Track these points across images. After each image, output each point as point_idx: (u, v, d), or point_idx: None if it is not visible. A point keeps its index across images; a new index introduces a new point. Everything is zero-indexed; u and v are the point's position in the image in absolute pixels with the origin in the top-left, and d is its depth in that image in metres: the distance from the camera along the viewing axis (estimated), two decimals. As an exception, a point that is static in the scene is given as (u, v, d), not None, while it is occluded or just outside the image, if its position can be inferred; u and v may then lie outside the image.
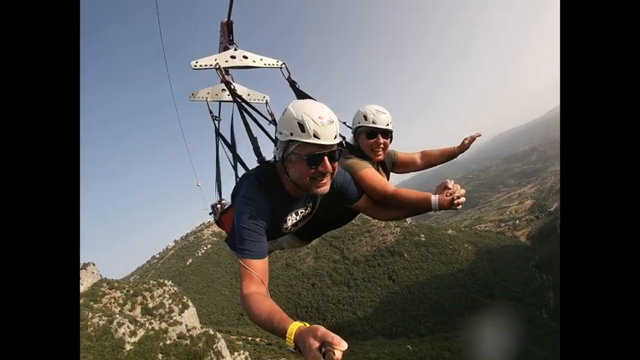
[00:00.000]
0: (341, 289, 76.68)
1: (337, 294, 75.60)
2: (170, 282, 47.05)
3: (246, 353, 38.73)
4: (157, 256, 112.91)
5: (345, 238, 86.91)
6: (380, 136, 2.65)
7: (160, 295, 41.62)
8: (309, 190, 1.94)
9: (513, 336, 51.27)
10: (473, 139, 3.15)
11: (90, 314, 34.42)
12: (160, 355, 32.34)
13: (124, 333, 32.28)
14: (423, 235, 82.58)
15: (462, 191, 2.17)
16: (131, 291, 42.47)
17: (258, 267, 1.81)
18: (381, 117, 2.65)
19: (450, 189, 2.16)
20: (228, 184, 3.21)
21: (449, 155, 3.21)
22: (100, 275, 45.98)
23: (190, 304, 43.09)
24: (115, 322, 32.69)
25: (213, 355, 34.03)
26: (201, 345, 34.79)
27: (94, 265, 45.48)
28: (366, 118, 2.66)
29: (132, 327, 33.10)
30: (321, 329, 1.24)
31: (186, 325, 37.62)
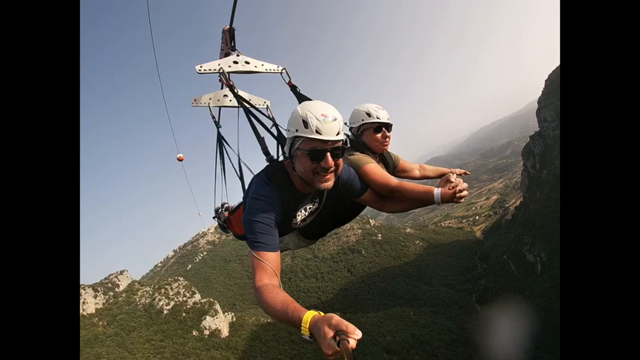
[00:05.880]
0: (310, 281, 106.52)
1: (307, 285, 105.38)
2: (182, 278, 79.98)
3: (232, 314, 72.10)
4: (160, 264, 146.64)
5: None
6: (385, 129, 3.19)
7: (176, 287, 73.47)
8: (314, 184, 2.27)
9: (437, 313, 79.34)
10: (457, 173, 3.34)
11: (137, 298, 68.67)
12: (184, 313, 66.13)
13: (162, 304, 66.37)
14: (380, 235, 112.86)
15: (465, 185, 2.53)
16: (156, 286, 74.74)
17: (271, 259, 2.04)
18: (382, 112, 3.20)
19: (452, 182, 2.52)
20: (232, 188, 4.10)
21: (442, 174, 3.70)
22: (132, 278, 78.75)
23: (196, 291, 75.42)
24: (156, 298, 67.24)
25: (212, 311, 67.29)
26: (206, 306, 68.43)
27: (127, 271, 77.91)
28: (369, 115, 3.18)
29: (167, 300, 67.28)
30: (336, 318, 1.39)
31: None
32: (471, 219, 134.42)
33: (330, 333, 1.35)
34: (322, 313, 1.48)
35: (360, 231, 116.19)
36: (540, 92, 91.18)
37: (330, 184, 2.29)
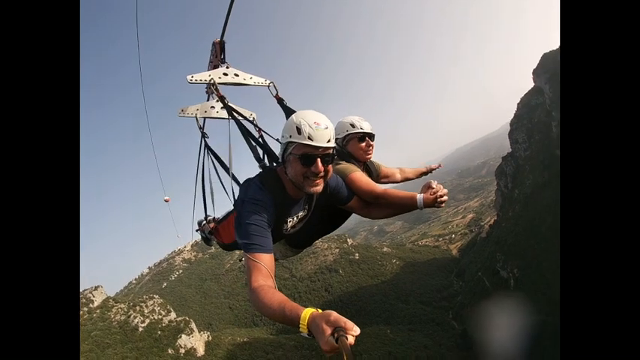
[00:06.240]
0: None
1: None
2: (157, 296, 79.83)
3: (208, 333, 72.26)
4: (134, 281, 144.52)
5: (294, 259, 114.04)
6: (368, 139, 3.42)
7: (152, 305, 73.31)
8: (304, 188, 2.38)
9: (413, 330, 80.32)
10: (432, 169, 4.43)
11: (112, 315, 68.35)
12: (159, 331, 66.12)
13: (137, 321, 66.24)
14: (357, 254, 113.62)
15: (445, 190, 2.69)
16: (131, 303, 74.35)
17: (266, 260, 2.08)
18: (366, 123, 3.42)
19: (433, 188, 2.67)
20: (219, 198, 4.06)
21: (421, 174, 4.33)
22: (107, 294, 78.25)
23: (172, 309, 75.31)
24: (131, 316, 67.02)
25: (188, 330, 67.37)
26: (182, 325, 68.48)
27: (102, 287, 77.30)
28: (353, 126, 3.40)
29: (142, 318, 67.21)
30: (334, 314, 1.40)
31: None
32: (447, 237, 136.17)
33: (328, 330, 1.36)
34: (320, 310, 1.51)
35: (337, 250, 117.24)
36: (513, 115, 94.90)
37: (319, 188, 2.42)
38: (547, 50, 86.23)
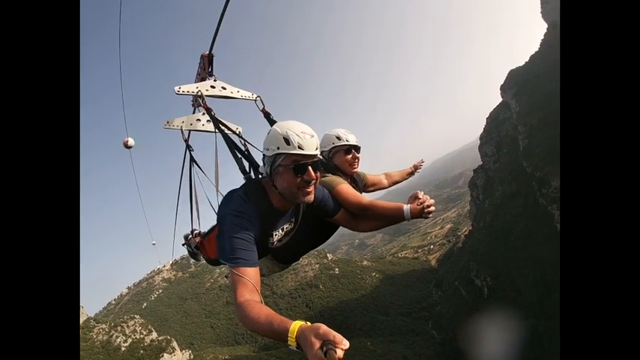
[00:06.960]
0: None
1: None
2: (138, 316, 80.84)
3: (190, 352, 73.47)
4: (114, 302, 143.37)
5: (274, 276, 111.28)
6: (354, 151, 3.41)
7: (133, 325, 74.37)
8: (297, 199, 2.36)
9: (394, 342, 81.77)
10: (417, 166, 4.59)
11: (94, 335, 69.16)
12: (142, 351, 67.32)
13: (119, 341, 67.56)
14: (337, 269, 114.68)
15: (432, 201, 2.67)
16: (112, 323, 75.30)
17: (251, 275, 2.04)
18: (352, 136, 3.42)
19: (420, 199, 2.68)
20: (205, 211, 4.01)
21: (407, 174, 4.42)
22: (87, 315, 78.98)
23: (153, 329, 76.49)
24: (114, 335, 68.07)
25: (170, 349, 68.67)
26: (164, 344, 69.81)
27: (83, 307, 78.05)
28: (339, 138, 3.39)
29: (124, 337, 68.56)
30: (323, 327, 1.38)
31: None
32: (426, 248, 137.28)
33: (317, 343, 1.35)
34: (309, 323, 1.50)
35: (317, 266, 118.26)
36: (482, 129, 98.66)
37: (312, 197, 2.41)
38: (513, 67, 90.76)
